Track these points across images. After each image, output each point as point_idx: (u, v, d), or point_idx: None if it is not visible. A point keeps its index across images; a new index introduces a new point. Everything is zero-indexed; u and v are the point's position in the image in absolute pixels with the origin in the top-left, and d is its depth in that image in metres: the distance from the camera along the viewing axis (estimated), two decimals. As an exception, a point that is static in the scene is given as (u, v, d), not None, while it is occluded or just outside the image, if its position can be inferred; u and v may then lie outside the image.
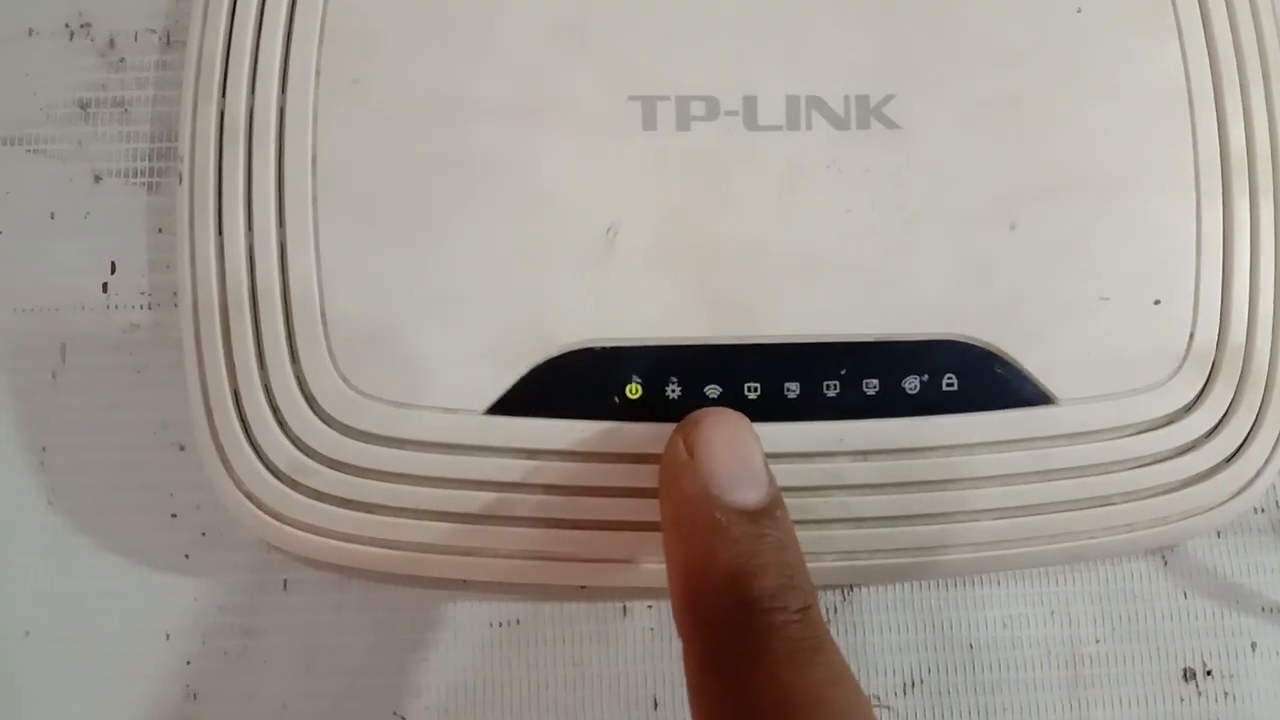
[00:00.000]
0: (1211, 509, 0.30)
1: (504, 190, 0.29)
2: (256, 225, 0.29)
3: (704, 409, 0.26)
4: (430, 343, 0.28)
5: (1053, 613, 0.32)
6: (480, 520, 0.28)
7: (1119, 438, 0.29)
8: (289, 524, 0.29)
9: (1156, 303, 0.29)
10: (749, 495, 0.24)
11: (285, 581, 0.32)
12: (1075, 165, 0.30)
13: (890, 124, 0.30)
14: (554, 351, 0.28)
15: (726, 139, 0.29)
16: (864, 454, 0.28)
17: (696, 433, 0.25)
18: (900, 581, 0.32)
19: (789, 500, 0.26)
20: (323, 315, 0.29)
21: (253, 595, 0.32)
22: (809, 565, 0.26)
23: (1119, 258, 0.29)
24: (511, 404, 0.28)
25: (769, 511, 0.24)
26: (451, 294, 0.28)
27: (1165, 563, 0.33)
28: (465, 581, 0.31)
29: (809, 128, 0.29)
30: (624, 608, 0.32)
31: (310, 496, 0.28)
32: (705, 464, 0.24)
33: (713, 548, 0.23)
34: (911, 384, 0.29)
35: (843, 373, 0.29)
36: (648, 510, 0.28)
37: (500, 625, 0.31)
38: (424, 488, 0.28)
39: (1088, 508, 0.29)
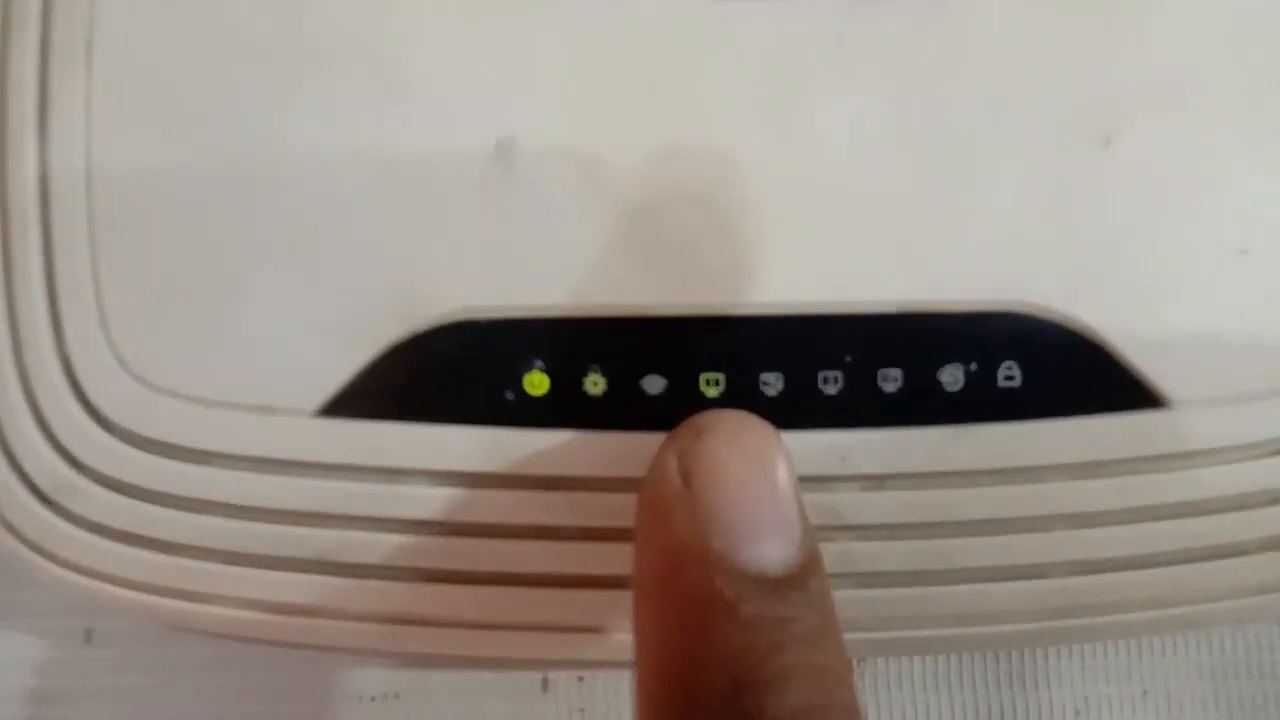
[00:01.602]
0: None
1: (347, 85, 0.21)
2: (9, 125, 0.21)
3: (711, 412, 0.18)
4: (241, 312, 0.21)
5: (1145, 693, 0.26)
6: (320, 569, 0.21)
7: (1258, 458, 0.21)
8: (57, 563, 0.22)
9: None
10: (772, 553, 0.17)
11: (88, 632, 0.26)
12: (1202, 59, 0.21)
13: None
14: (418, 325, 0.21)
15: (681, 9, 0.21)
16: (878, 480, 0.21)
17: (700, 449, 0.17)
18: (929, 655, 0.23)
19: None
20: (94, 274, 0.21)
21: (45, 649, 0.26)
22: None
23: (1263, 194, 0.21)
24: (355, 402, 0.21)
25: (800, 580, 0.17)
26: (271, 238, 0.21)
27: None
28: (322, 641, 0.24)
29: None
30: (545, 680, 0.26)
31: (83, 527, 0.22)
32: (708, 501, 0.17)
33: (710, 634, 0.16)
34: (952, 377, 0.21)
35: (848, 359, 0.21)
36: (559, 557, 0.21)
37: (373, 699, 0.26)
38: (235, 520, 0.21)
39: (1208, 559, 0.22)
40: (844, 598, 0.21)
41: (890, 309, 0.21)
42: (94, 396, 0.21)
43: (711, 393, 0.21)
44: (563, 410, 0.21)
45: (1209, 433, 0.21)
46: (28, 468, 0.21)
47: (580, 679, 0.25)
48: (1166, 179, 0.21)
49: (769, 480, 0.17)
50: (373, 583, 0.21)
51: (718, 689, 0.16)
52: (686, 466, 0.17)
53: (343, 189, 0.21)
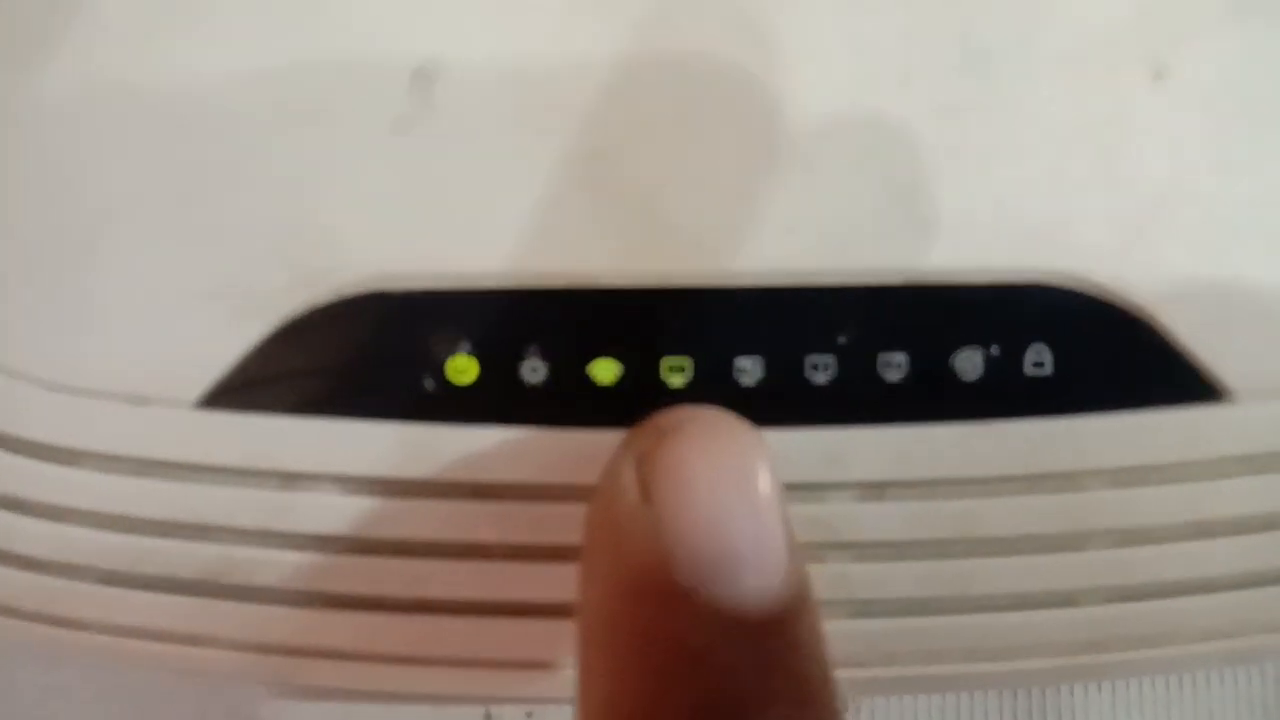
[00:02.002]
0: None
1: (225, 9, 0.17)
2: None
3: (682, 409, 0.15)
4: (106, 282, 0.17)
5: None
6: (207, 590, 0.18)
7: None
8: None
9: None
10: (751, 587, 0.13)
11: None
12: None
13: None
14: (319, 298, 0.17)
15: None
16: (879, 488, 0.18)
17: (662, 455, 0.14)
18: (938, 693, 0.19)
19: None
20: None
21: None
22: None
23: None
24: (244, 390, 0.17)
25: (785, 620, 0.14)
26: (141, 191, 0.17)
27: None
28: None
29: None
30: (487, 715, 0.23)
31: None
32: (673, 521, 0.14)
33: (673, 690, 0.13)
34: (969, 364, 0.17)
35: (842, 341, 0.17)
36: (490, 579, 0.18)
37: None
38: (106, 531, 0.18)
39: (1274, 583, 0.18)
40: (838, 628, 0.18)
41: (893, 279, 0.17)
42: None
43: (676, 381, 0.17)
44: (495, 402, 0.17)
45: (1276, 431, 0.18)
46: None
47: (529, 714, 0.22)
48: (1229, 121, 0.17)
49: (748, 495, 0.14)
50: (269, 608, 0.18)
51: None
52: (646, 476, 0.14)
53: (226, 130, 0.17)
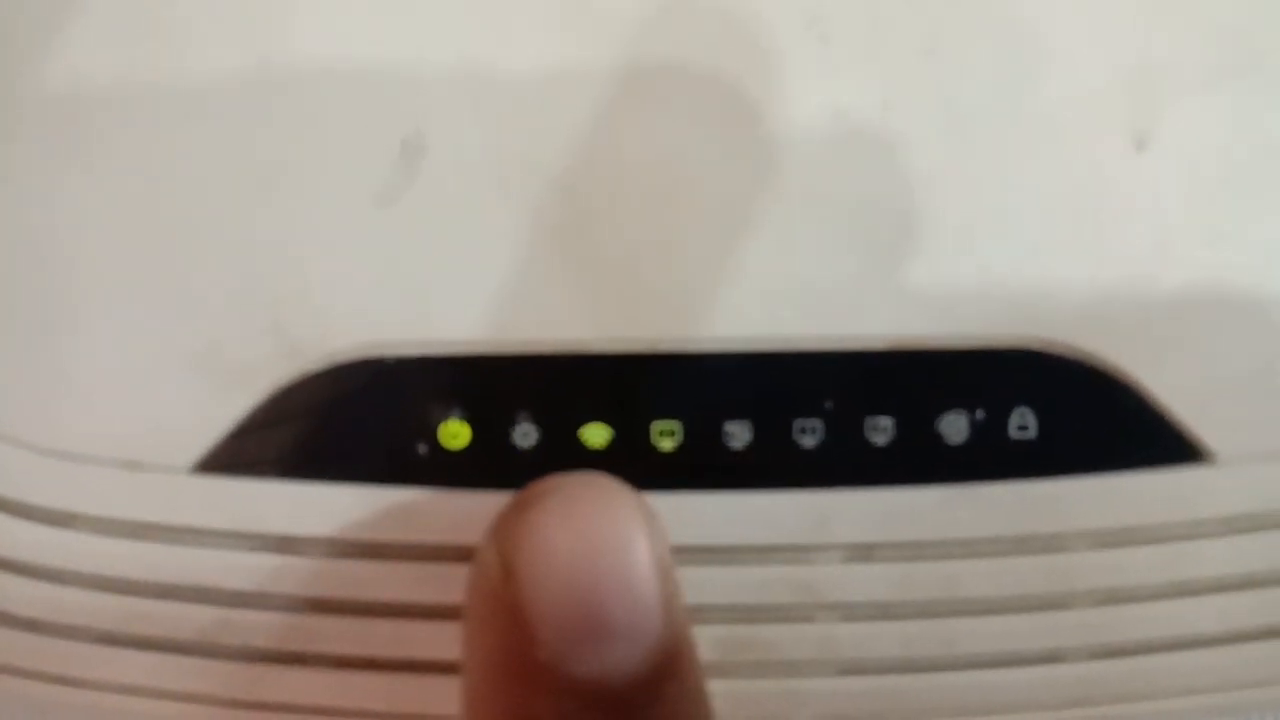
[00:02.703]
0: None
1: (217, 70, 0.17)
2: None
3: (547, 479, 0.14)
4: (100, 349, 0.18)
5: None
6: (202, 650, 0.18)
7: None
8: None
9: None
10: (612, 657, 0.13)
11: None
12: (1252, 38, 0.18)
13: None
14: (310, 365, 0.17)
15: None
16: (866, 549, 0.18)
17: (520, 530, 0.14)
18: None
19: (729, 631, 0.17)
20: None
21: None
22: None
23: None
24: (238, 456, 0.18)
25: (654, 687, 0.13)
26: (130, 261, 0.17)
27: None
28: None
29: None
30: None
31: None
32: (529, 595, 0.13)
33: None
34: (954, 427, 0.18)
35: (829, 405, 0.18)
36: None
37: None
38: (102, 593, 0.18)
39: (1256, 639, 0.19)
40: (826, 688, 0.18)
41: (879, 345, 0.17)
42: None
43: (666, 445, 0.17)
44: (487, 466, 0.18)
45: (1257, 493, 0.18)
46: None
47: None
48: (1210, 187, 0.18)
49: (616, 563, 0.13)
50: (265, 668, 0.18)
51: None
52: (506, 554, 0.14)
53: (222, 201, 0.17)
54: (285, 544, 0.18)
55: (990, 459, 0.18)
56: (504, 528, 0.14)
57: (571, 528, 0.13)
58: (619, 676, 0.13)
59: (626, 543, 0.14)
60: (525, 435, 0.17)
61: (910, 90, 0.17)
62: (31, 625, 0.18)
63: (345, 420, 0.17)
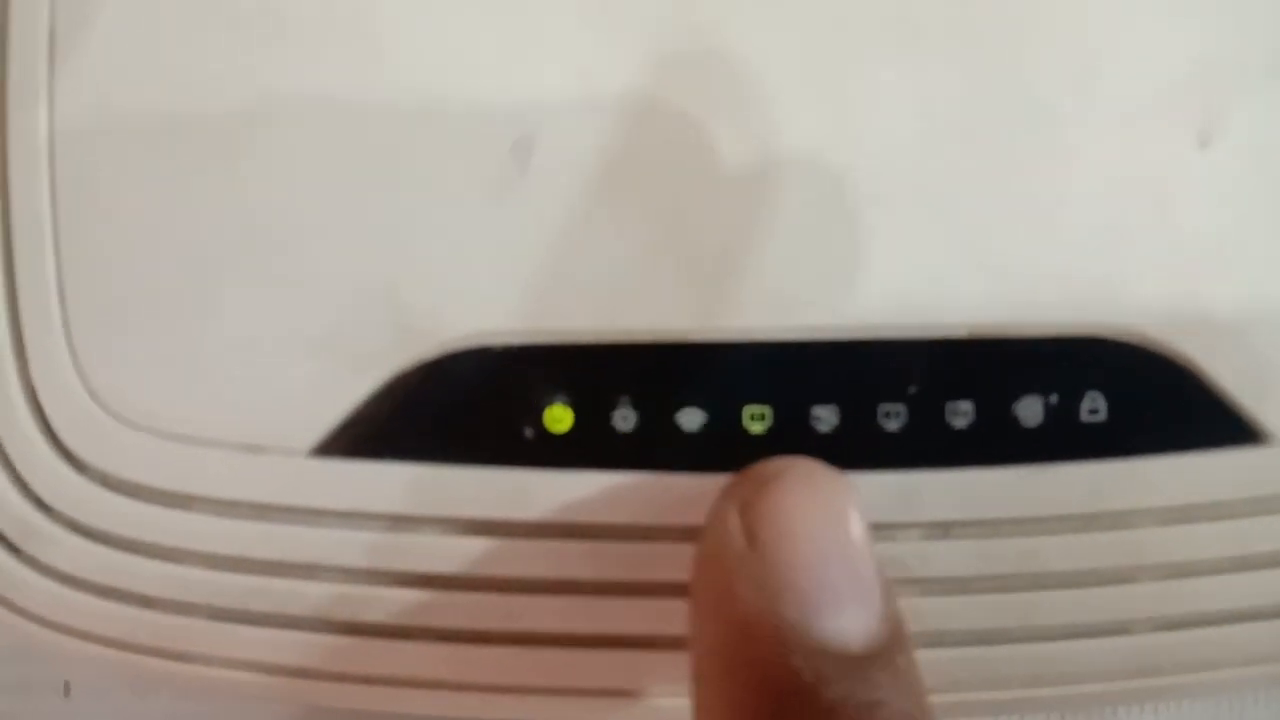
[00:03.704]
0: None
1: (344, 77, 0.18)
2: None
3: (777, 460, 0.16)
4: (222, 336, 0.18)
5: None
6: (314, 626, 0.19)
7: None
8: (24, 615, 0.20)
9: None
10: (853, 624, 0.15)
11: (67, 684, 0.24)
12: None
13: None
14: (425, 353, 0.18)
15: None
16: (945, 527, 0.19)
17: (765, 502, 0.15)
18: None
19: None
20: (61, 293, 0.19)
21: (19, 700, 0.24)
22: None
23: None
24: (356, 439, 0.18)
25: (886, 655, 0.15)
26: (256, 255, 0.18)
27: None
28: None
29: None
30: None
31: (53, 578, 0.19)
32: (778, 563, 0.15)
33: (786, 715, 0.14)
34: (1030, 411, 0.18)
35: (912, 390, 0.18)
36: (588, 613, 0.19)
37: None
38: (220, 572, 0.19)
39: None
40: None
41: (960, 333, 0.18)
42: (63, 433, 0.19)
43: (756, 428, 0.18)
44: (588, 448, 0.18)
45: None
46: (-11, 510, 0.19)
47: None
48: (1271, 184, 0.19)
49: (844, 537, 0.15)
50: (376, 642, 0.19)
51: None
52: (750, 523, 0.15)
53: (342, 197, 0.18)
54: (398, 522, 0.18)
55: (1063, 441, 0.18)
56: (746, 497, 0.15)
57: (808, 504, 0.15)
58: (858, 640, 0.14)
59: (853, 522, 0.15)
60: (624, 419, 0.18)
61: (992, 88, 0.18)
62: (145, 601, 0.19)
63: (456, 405, 0.18)
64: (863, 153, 0.18)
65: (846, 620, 0.14)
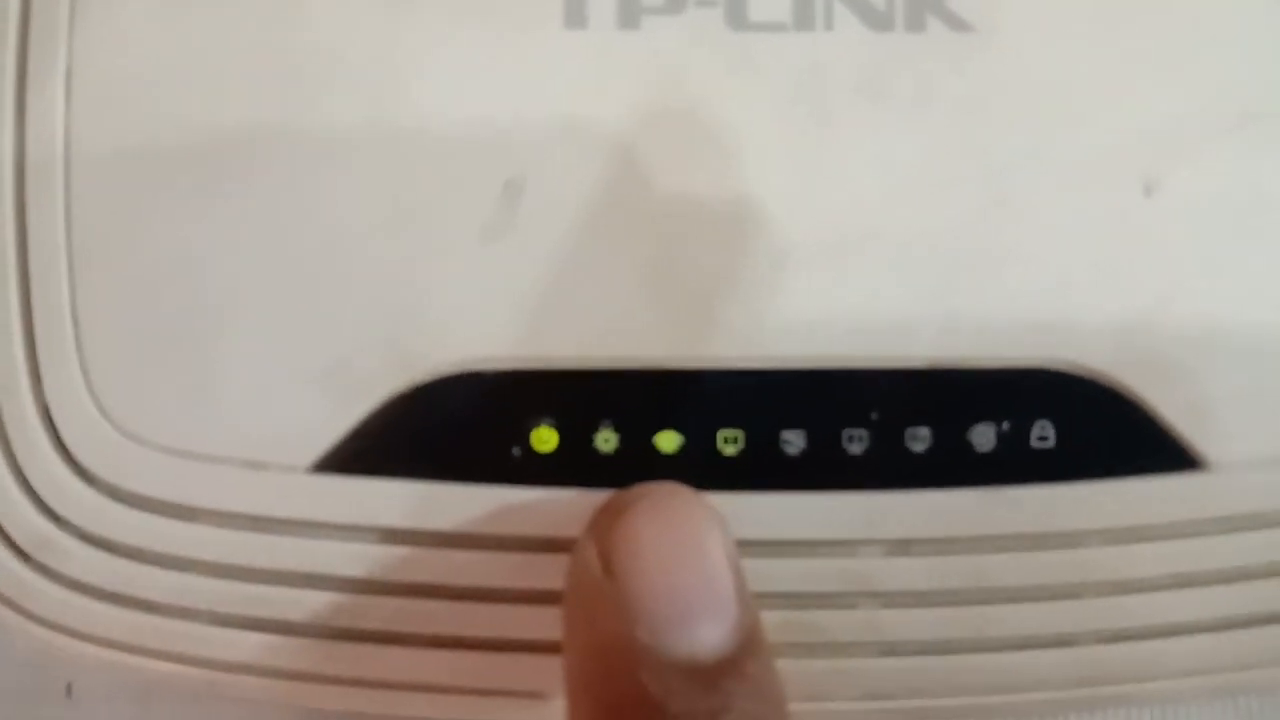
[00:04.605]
0: None
1: (349, 119, 0.19)
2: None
3: (634, 488, 0.17)
4: (227, 359, 0.20)
5: None
6: (311, 632, 0.20)
7: None
8: (35, 621, 0.21)
9: None
10: (701, 638, 0.15)
11: (69, 686, 0.25)
12: (1251, 95, 0.20)
13: (957, 22, 0.20)
14: (419, 377, 0.19)
15: (696, 42, 0.20)
16: (905, 544, 0.20)
17: (616, 531, 0.16)
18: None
19: (784, 615, 0.19)
20: (74, 317, 0.20)
21: (22, 703, 0.25)
22: (814, 709, 0.19)
23: None
24: (353, 457, 0.19)
25: (735, 665, 0.15)
26: (261, 280, 0.19)
27: None
28: (314, 702, 0.23)
29: (829, 27, 0.20)
30: None
31: (63, 584, 0.20)
32: (628, 587, 0.16)
33: None
34: (983, 437, 0.20)
35: (874, 417, 0.20)
36: None
37: None
38: (222, 580, 0.20)
39: (1247, 626, 0.20)
40: (868, 667, 0.20)
41: (919, 364, 0.20)
42: (75, 448, 0.20)
43: (730, 450, 0.20)
44: (572, 468, 0.19)
45: (1249, 496, 0.20)
46: (4, 522, 0.20)
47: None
48: (1210, 228, 0.20)
49: (698, 557, 0.16)
50: (368, 647, 0.20)
51: None
52: (604, 551, 0.16)
53: (342, 231, 0.19)
54: (392, 535, 0.19)
55: (1014, 465, 0.20)
56: (601, 529, 0.16)
57: (660, 529, 0.16)
58: (708, 652, 0.15)
59: (705, 541, 0.16)
60: (606, 441, 0.19)
61: (950, 145, 0.19)
62: (150, 607, 0.20)
63: (449, 426, 0.19)
64: (832, 203, 0.19)
65: (697, 635, 0.15)
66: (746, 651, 0.16)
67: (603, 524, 0.16)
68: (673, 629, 0.15)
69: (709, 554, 0.16)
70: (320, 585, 0.20)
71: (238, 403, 0.20)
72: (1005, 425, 0.20)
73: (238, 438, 0.20)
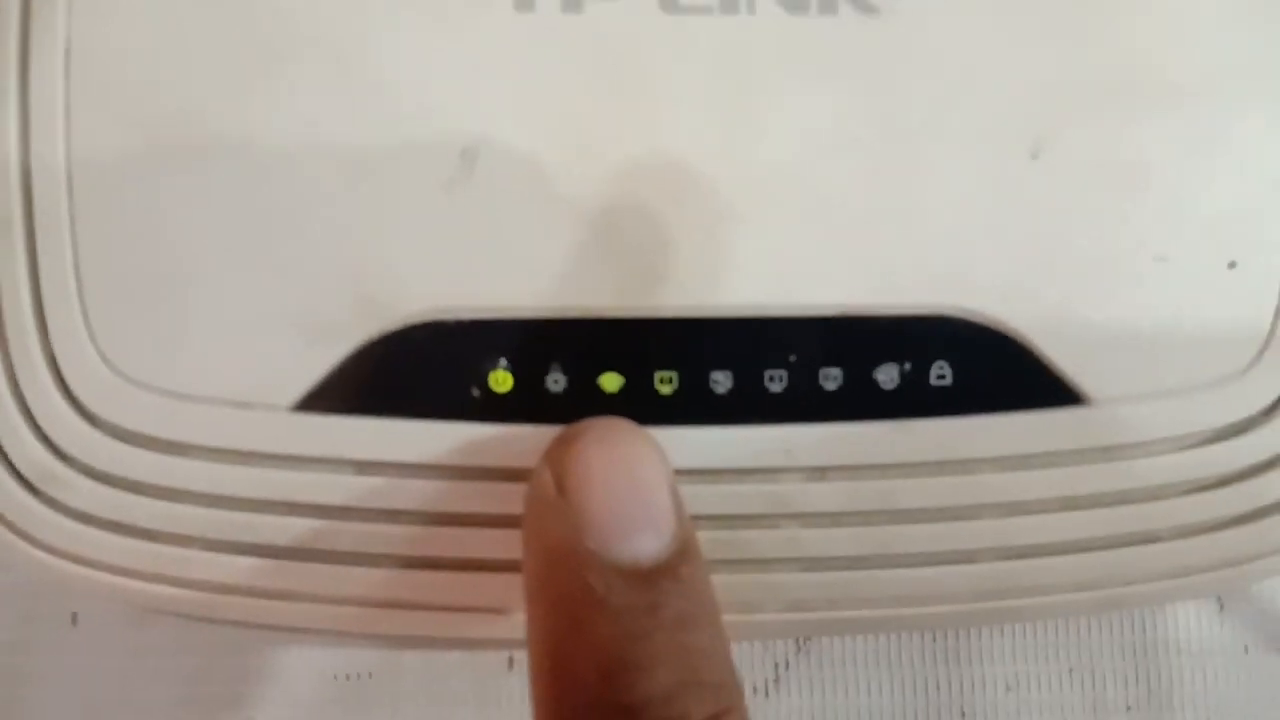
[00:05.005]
0: (1294, 546, 0.23)
1: (318, 91, 0.21)
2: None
3: (583, 421, 0.19)
4: (216, 309, 0.21)
5: (1071, 670, 0.27)
6: (293, 555, 0.22)
7: (1172, 451, 0.22)
8: (43, 549, 0.22)
9: (1232, 265, 0.22)
10: (641, 547, 0.18)
11: (74, 615, 0.27)
12: (1126, 67, 0.22)
13: (865, 6, 0.22)
14: (388, 324, 0.21)
15: (633, 24, 0.22)
16: (821, 471, 0.22)
17: (568, 457, 0.18)
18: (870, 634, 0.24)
19: (715, 534, 0.21)
20: (77, 273, 0.21)
21: (30, 630, 0.27)
22: (742, 619, 0.20)
23: (1183, 201, 0.22)
24: (328, 397, 0.21)
25: (670, 569, 0.18)
26: (244, 238, 0.21)
27: (1222, 607, 0.27)
28: (296, 624, 0.24)
29: (751, 10, 0.22)
30: (510, 659, 0.27)
31: (68, 515, 0.22)
32: (578, 504, 0.18)
33: (582, 627, 0.17)
34: (888, 376, 0.22)
35: (792, 358, 0.22)
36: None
37: (346, 679, 0.26)
38: (213, 509, 0.22)
39: (1126, 545, 0.22)
40: (791, 580, 0.22)
41: (831, 311, 0.22)
42: (78, 391, 0.21)
43: (666, 390, 0.22)
44: (526, 406, 0.21)
45: (1126, 428, 0.22)
46: (14, 458, 0.22)
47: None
48: (1090, 188, 0.22)
49: (638, 479, 0.18)
50: (345, 568, 0.22)
51: (590, 678, 0.17)
52: (558, 474, 0.18)
53: (316, 192, 0.21)
54: (365, 467, 0.21)
55: (916, 401, 0.22)
56: (555, 455, 0.18)
57: (606, 454, 0.18)
58: (647, 558, 0.17)
59: (644, 464, 0.18)
60: (556, 382, 0.21)
61: (859, 111, 0.21)
62: (149, 535, 0.22)
63: (415, 369, 0.21)
64: (754, 164, 0.21)
65: (638, 544, 0.17)
66: (681, 559, 0.18)
67: (556, 451, 0.19)
68: (616, 539, 0.17)
69: (648, 475, 0.18)
70: (301, 513, 0.22)
71: (225, 349, 0.21)
72: (907, 366, 0.22)
73: (225, 380, 0.21)
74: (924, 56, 0.22)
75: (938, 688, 0.26)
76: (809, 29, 0.22)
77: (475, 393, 0.21)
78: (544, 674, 0.17)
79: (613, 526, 0.17)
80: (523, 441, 0.21)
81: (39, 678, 0.26)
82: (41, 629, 0.26)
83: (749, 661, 0.22)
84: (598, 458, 0.18)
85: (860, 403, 0.22)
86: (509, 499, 0.21)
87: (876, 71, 0.22)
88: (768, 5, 0.22)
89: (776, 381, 0.22)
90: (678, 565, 0.18)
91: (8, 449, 0.22)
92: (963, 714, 0.26)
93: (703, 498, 0.21)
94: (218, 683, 0.26)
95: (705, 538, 0.21)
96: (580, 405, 0.21)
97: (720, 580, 0.19)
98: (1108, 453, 0.22)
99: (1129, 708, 0.26)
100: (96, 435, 0.22)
